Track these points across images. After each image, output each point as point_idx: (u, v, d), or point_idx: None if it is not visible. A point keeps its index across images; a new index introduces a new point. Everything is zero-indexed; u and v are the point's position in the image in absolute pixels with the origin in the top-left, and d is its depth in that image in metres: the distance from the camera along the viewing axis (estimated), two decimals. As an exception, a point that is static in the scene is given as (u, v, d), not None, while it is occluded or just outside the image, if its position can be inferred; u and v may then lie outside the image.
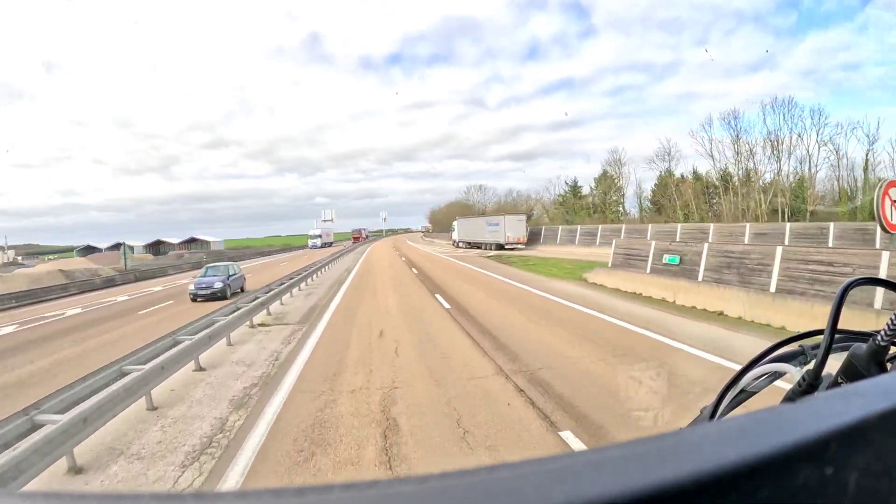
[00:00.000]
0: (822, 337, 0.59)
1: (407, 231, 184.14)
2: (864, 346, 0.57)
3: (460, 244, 46.93)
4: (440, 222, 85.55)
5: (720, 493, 0.24)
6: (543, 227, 41.70)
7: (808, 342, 0.70)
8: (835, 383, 0.58)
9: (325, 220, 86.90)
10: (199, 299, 16.46)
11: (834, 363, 0.59)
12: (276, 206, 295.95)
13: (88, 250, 75.93)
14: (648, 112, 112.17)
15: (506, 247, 37.77)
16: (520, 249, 37.33)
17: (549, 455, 0.26)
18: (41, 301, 20.78)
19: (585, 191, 53.21)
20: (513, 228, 38.55)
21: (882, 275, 7.26)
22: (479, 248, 41.40)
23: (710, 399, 0.69)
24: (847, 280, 0.61)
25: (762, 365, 0.70)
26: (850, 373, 0.57)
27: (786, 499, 0.25)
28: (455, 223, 50.79)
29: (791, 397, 0.60)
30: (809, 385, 0.58)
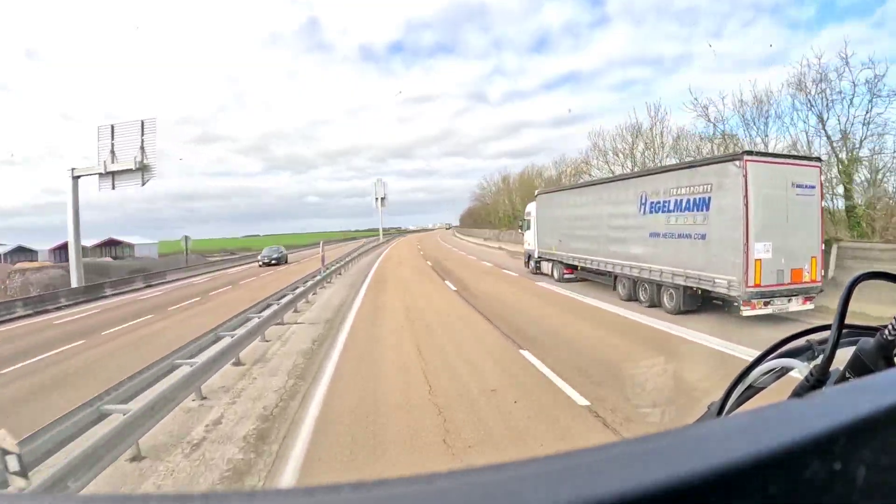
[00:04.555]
0: (829, 332, 0.64)
1: (399, 231, 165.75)
2: (871, 340, 0.61)
3: (541, 262, 19.48)
4: (479, 219, 58.62)
5: (728, 490, 0.25)
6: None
7: (815, 337, 0.75)
8: (842, 378, 0.62)
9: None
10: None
11: (842, 358, 0.63)
12: (266, 204, 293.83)
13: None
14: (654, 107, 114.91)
15: (738, 306, 9.11)
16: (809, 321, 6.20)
17: (554, 454, 0.27)
18: None
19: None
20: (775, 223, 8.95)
21: None
22: (600, 279, 14.74)
23: (718, 395, 0.73)
24: (854, 275, 0.65)
25: (770, 360, 0.75)
26: (858, 368, 0.61)
27: (794, 494, 0.27)
28: (531, 207, 21.40)
29: (799, 393, 0.64)
30: (817, 380, 0.63)
